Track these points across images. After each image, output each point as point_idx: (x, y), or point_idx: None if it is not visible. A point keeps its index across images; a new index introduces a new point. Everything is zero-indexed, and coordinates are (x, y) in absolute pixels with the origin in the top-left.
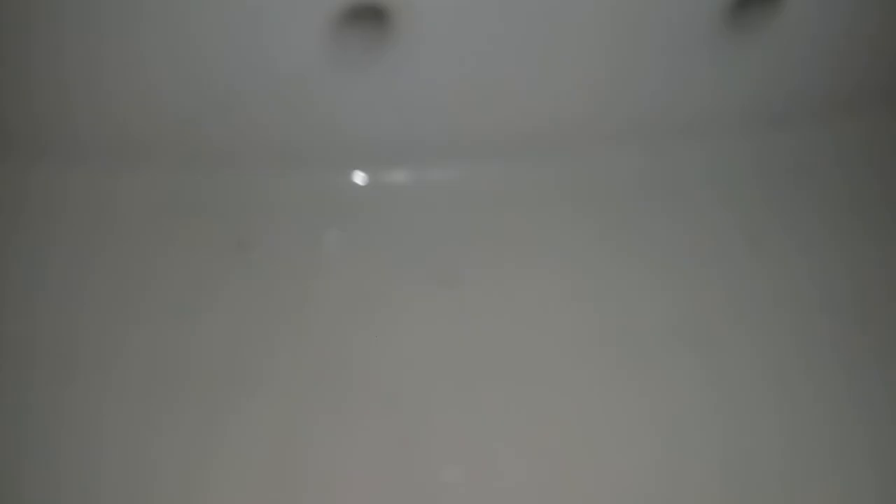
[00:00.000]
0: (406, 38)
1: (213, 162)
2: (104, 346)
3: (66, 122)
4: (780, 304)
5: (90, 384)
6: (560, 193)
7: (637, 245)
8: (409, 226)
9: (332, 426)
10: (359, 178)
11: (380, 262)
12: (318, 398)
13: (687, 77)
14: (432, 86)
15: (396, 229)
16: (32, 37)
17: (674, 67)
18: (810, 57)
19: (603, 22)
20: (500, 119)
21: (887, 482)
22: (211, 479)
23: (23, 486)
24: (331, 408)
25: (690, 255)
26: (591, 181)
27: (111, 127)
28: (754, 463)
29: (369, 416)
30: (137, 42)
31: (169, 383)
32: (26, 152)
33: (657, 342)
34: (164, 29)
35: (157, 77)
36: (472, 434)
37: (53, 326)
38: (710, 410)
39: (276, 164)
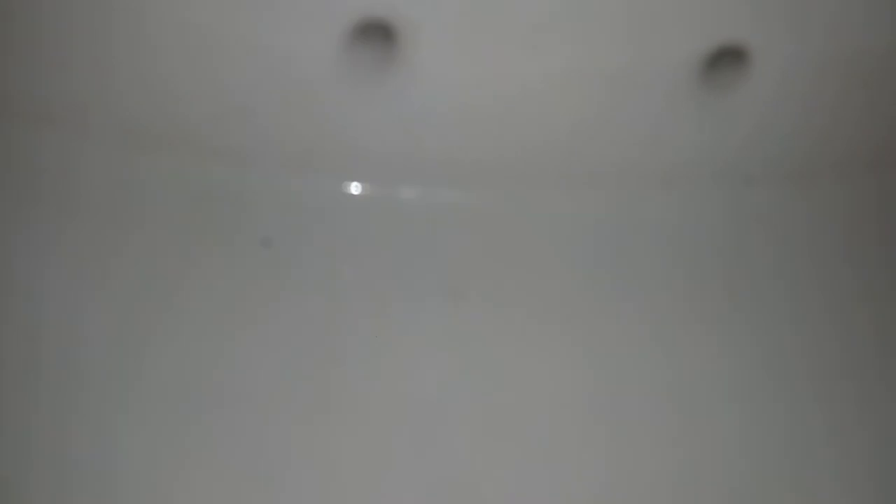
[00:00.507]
0: (412, 58)
1: (229, 160)
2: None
3: (74, 104)
4: (763, 364)
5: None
6: (545, 225)
7: (620, 281)
8: (412, 240)
9: (329, 432)
10: (359, 188)
11: (383, 271)
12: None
13: (661, 131)
14: (435, 106)
15: (399, 242)
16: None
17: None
18: (778, 118)
19: (589, 66)
20: (499, 146)
21: None
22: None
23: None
24: (329, 409)
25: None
26: (572, 217)
27: (126, 116)
28: None
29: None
30: (151, 42)
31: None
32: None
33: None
34: (181, 32)
35: (175, 76)
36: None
37: (61, 308)
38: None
39: (287, 167)
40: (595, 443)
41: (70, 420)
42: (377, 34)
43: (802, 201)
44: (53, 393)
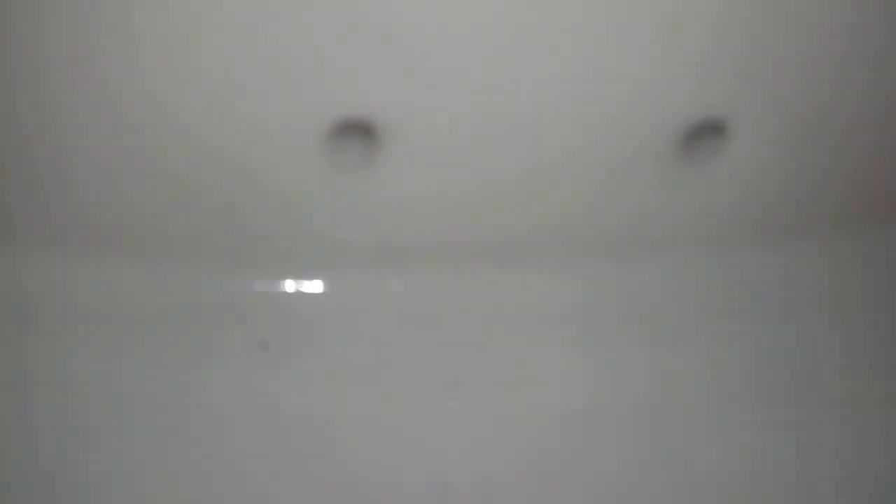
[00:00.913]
0: (394, 154)
1: (217, 264)
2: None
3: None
4: None
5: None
6: (540, 304)
7: (604, 357)
8: (403, 332)
9: None
10: (345, 285)
11: (383, 365)
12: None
13: (643, 201)
14: (420, 199)
15: (393, 335)
16: None
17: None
18: (755, 187)
19: (573, 151)
20: (484, 233)
21: None
22: None
23: None
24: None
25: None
26: (568, 294)
27: (101, 229)
28: None
29: None
30: (124, 149)
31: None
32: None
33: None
34: (166, 144)
35: (155, 184)
36: None
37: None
38: None
39: (275, 267)
40: None
41: None
42: (358, 132)
43: (781, 266)
44: None
